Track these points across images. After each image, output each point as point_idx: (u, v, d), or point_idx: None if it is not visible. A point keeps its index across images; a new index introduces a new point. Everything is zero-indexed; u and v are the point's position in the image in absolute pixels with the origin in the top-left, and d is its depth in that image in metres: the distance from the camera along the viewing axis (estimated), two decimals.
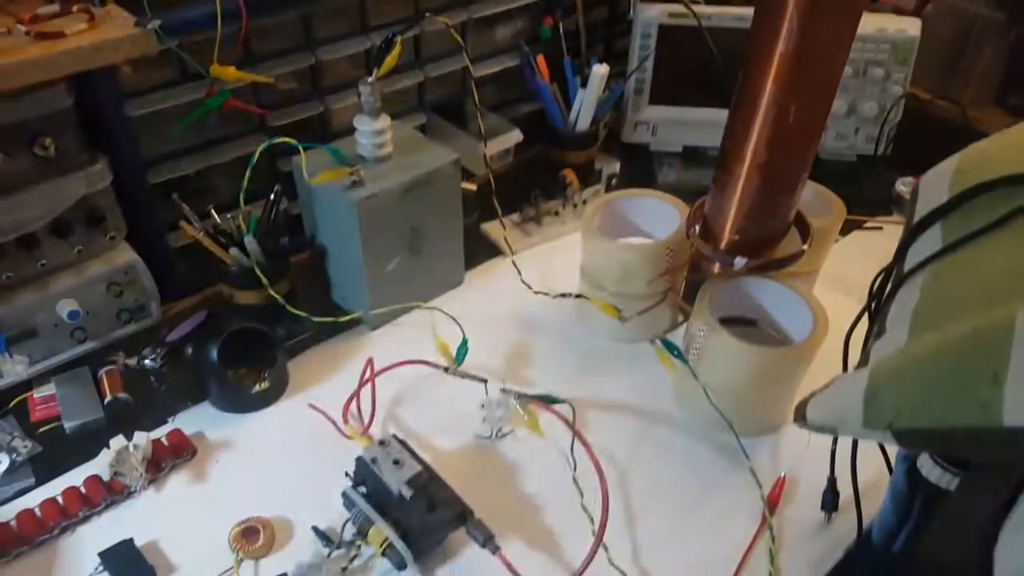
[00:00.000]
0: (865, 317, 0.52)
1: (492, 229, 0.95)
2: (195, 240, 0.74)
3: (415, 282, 0.81)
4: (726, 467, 0.67)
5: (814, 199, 0.81)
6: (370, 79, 0.70)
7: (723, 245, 0.72)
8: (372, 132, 0.72)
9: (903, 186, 0.97)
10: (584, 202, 0.99)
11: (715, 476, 0.67)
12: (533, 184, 0.98)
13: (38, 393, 0.71)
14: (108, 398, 0.70)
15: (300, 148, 0.68)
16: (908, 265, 0.48)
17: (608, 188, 1.00)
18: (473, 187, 0.94)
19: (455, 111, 0.99)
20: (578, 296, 0.80)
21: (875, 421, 0.42)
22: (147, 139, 0.74)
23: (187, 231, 0.72)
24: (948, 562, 0.53)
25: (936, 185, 0.48)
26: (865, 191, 1.00)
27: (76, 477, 0.65)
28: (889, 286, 0.49)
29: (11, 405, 0.70)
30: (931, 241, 0.46)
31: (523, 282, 0.85)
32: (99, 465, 0.65)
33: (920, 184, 0.51)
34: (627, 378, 0.76)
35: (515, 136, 0.94)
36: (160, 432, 0.68)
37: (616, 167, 1.00)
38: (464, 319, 0.76)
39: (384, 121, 0.73)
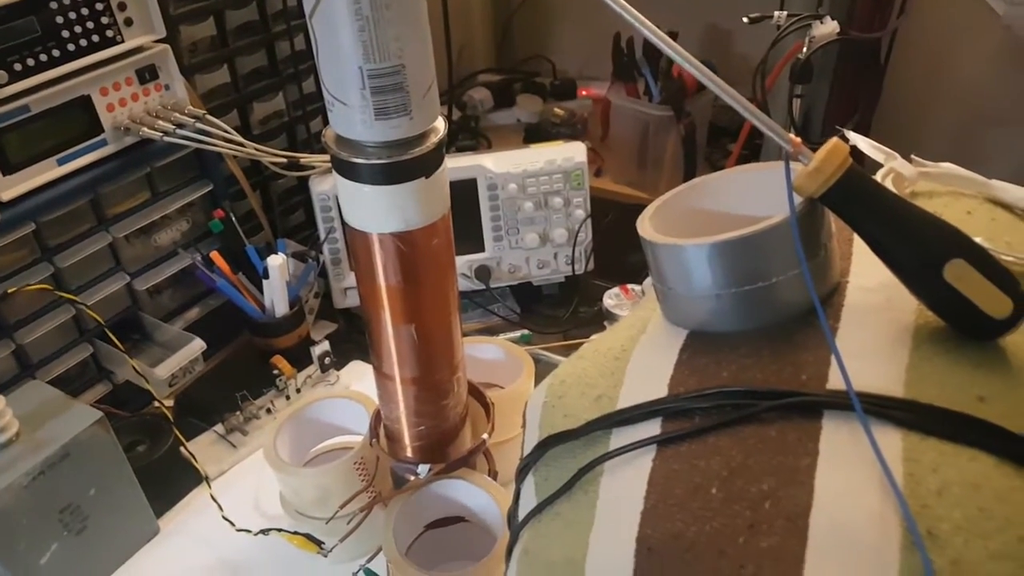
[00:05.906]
0: None
1: (198, 448, 0.86)
2: None
3: (90, 559, 0.70)
4: None
5: (506, 359, 0.80)
6: None
7: (409, 452, 0.68)
8: None
9: (610, 299, 0.99)
10: (298, 391, 0.92)
11: None
12: (242, 381, 0.91)
13: None
14: None
15: None
16: (521, 511, 0.45)
17: (323, 367, 0.94)
18: (168, 405, 0.85)
19: (133, 327, 0.90)
20: (276, 531, 0.72)
21: None
22: None
23: None
24: None
25: (531, 421, 0.46)
26: (579, 309, 1.02)
27: None
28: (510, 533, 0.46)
29: None
30: (529, 493, 0.44)
31: (224, 518, 0.76)
32: None
33: (525, 415, 0.48)
34: None
35: (196, 347, 0.86)
36: None
37: (326, 345, 0.94)
38: None
39: None
